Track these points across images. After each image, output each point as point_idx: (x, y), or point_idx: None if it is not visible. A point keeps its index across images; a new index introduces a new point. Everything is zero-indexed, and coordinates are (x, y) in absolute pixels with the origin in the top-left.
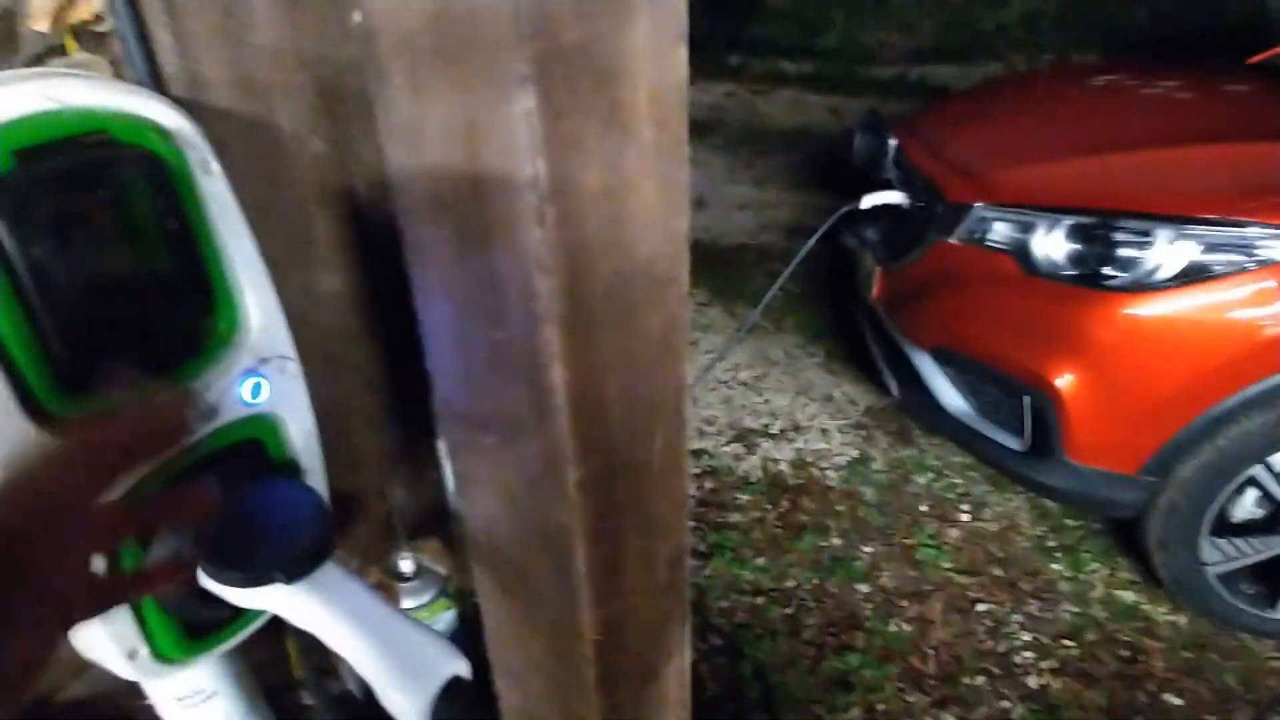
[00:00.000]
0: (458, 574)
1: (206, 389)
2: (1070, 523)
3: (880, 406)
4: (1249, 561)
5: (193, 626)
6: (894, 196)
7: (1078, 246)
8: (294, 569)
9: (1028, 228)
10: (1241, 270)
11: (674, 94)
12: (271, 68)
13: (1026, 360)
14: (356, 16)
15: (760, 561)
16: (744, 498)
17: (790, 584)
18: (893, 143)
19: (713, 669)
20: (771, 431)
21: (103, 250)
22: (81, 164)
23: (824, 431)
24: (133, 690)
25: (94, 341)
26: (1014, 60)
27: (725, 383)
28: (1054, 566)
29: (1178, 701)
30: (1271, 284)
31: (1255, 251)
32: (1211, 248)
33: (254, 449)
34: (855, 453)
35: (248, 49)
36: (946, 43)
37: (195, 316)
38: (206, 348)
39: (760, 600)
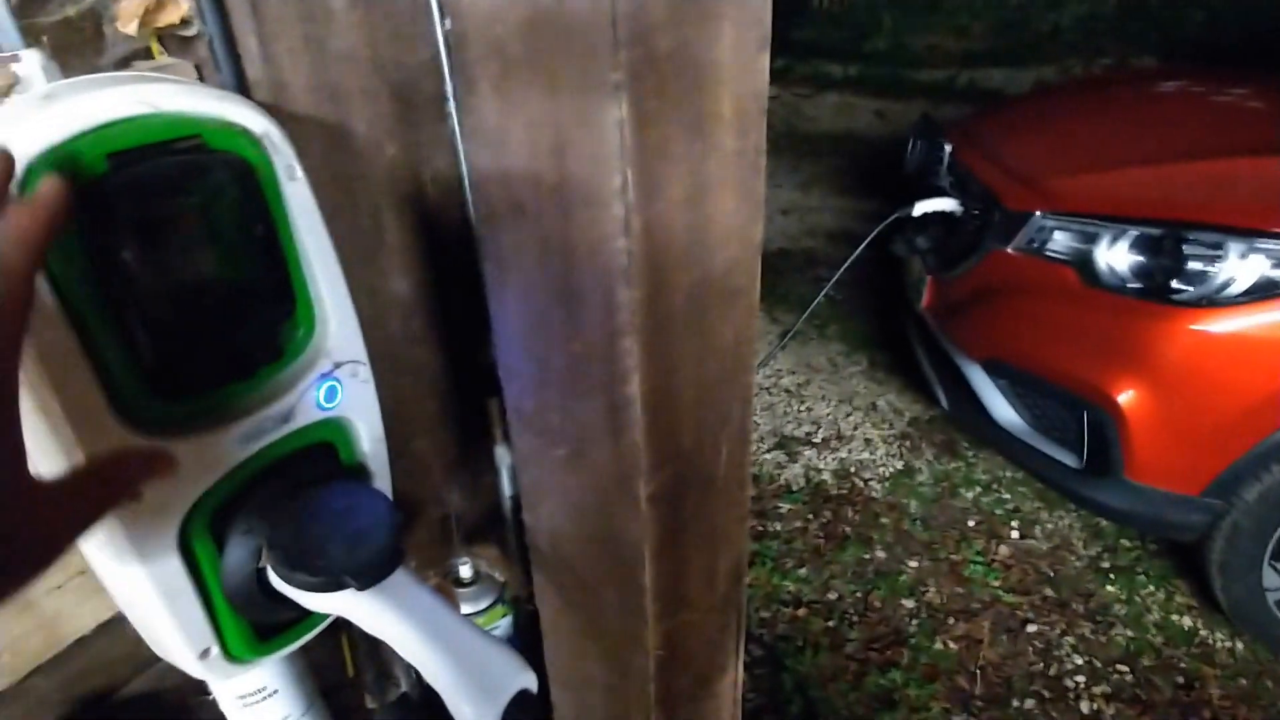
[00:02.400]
0: (514, 581)
1: (287, 392)
2: (1126, 543)
3: (926, 417)
4: None
5: (263, 627)
6: (947, 204)
7: (1144, 259)
8: (367, 575)
9: (1091, 238)
10: None
11: (755, 102)
12: (350, 73)
13: (1086, 375)
14: (447, 24)
15: (802, 572)
16: (785, 507)
17: (832, 596)
18: (947, 148)
19: (754, 680)
20: (814, 440)
21: (192, 255)
22: (174, 169)
23: (868, 441)
24: (194, 686)
25: (183, 346)
26: (1068, 64)
27: (767, 389)
28: (1108, 588)
29: None
30: None
31: None
32: None
33: (326, 453)
34: (900, 464)
35: (328, 55)
36: (998, 46)
37: (277, 321)
38: (286, 352)
39: (802, 612)
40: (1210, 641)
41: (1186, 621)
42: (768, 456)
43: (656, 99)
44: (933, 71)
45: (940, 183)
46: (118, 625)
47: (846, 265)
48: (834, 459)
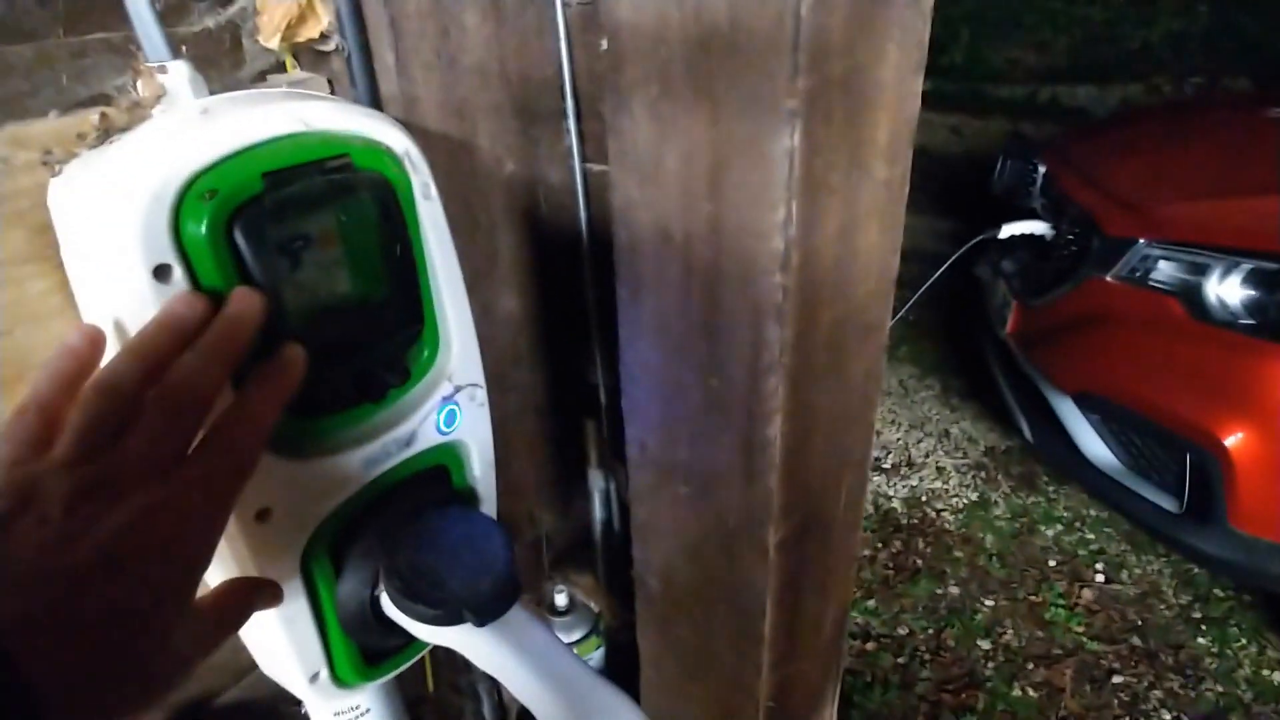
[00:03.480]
0: (608, 612)
1: (411, 416)
2: (1219, 593)
3: (1002, 448)
4: None
5: (371, 653)
6: (1037, 226)
7: (1257, 293)
8: (486, 611)
9: (1200, 269)
10: None
11: (907, 128)
12: (478, 88)
13: (1191, 414)
14: (603, 44)
15: (871, 604)
16: None
17: (903, 631)
18: (1041, 169)
19: None
20: (884, 466)
21: (334, 274)
22: (325, 188)
23: (940, 469)
24: (286, 696)
25: (322, 365)
26: (1157, 82)
27: None
28: (1199, 640)
29: None
30: None
31: None
32: None
33: (440, 476)
34: (975, 495)
35: (459, 70)
36: (1082, 61)
37: (408, 342)
38: (413, 374)
39: (871, 645)
40: None
41: (1278, 678)
42: None
43: (825, 127)
44: (1012, 87)
45: (1032, 204)
46: None
47: (927, 286)
48: (904, 486)
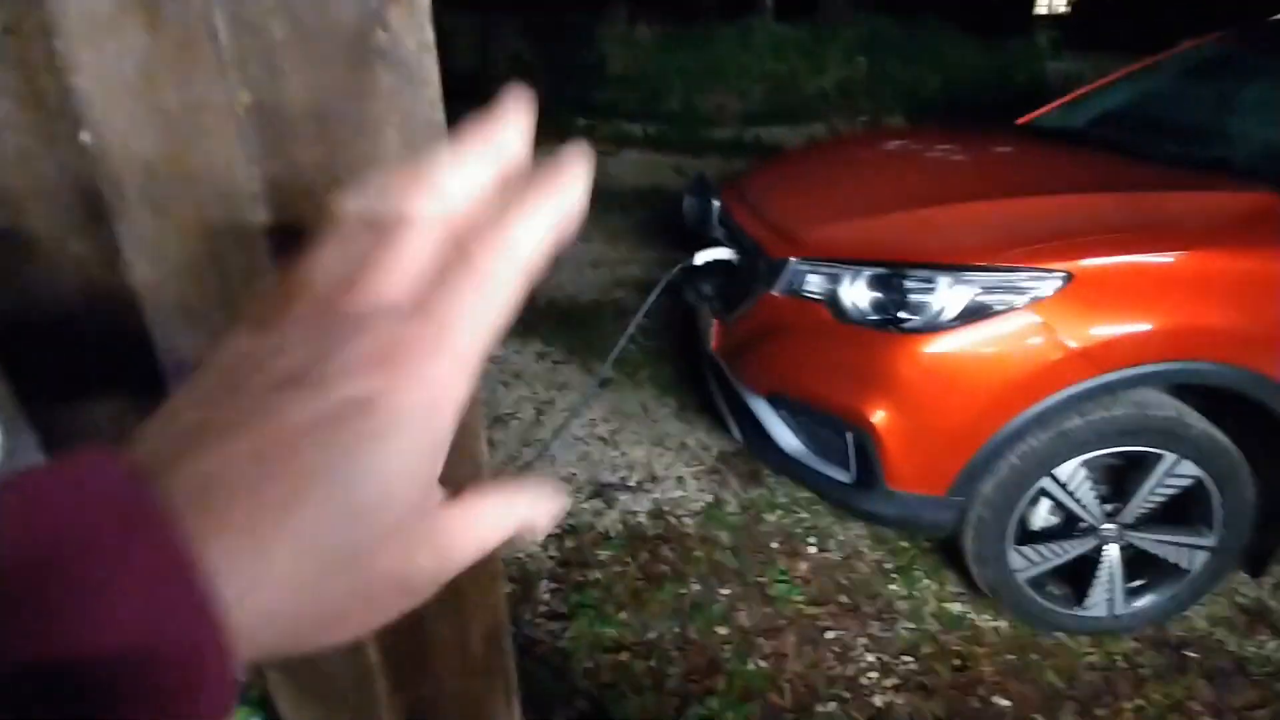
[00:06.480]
0: (260, 678)
1: None
2: (903, 545)
3: (731, 451)
4: (1052, 565)
5: None
6: (725, 253)
7: (878, 294)
8: None
9: (836, 279)
10: (1011, 308)
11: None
12: (22, 173)
13: (846, 400)
14: (85, 136)
15: (622, 616)
16: (604, 554)
17: (652, 635)
18: (715, 204)
19: None
20: (629, 484)
21: None
22: None
23: (679, 479)
24: None
25: None
26: (834, 121)
27: (582, 439)
28: (891, 587)
29: (1006, 703)
30: (1037, 318)
31: (1022, 291)
32: (986, 290)
33: None
34: (710, 497)
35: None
36: (775, 106)
37: None
38: None
39: (624, 656)
40: (979, 624)
41: (958, 608)
42: (585, 506)
43: (308, 202)
44: (722, 129)
45: (715, 235)
46: None
47: (640, 314)
48: (649, 500)
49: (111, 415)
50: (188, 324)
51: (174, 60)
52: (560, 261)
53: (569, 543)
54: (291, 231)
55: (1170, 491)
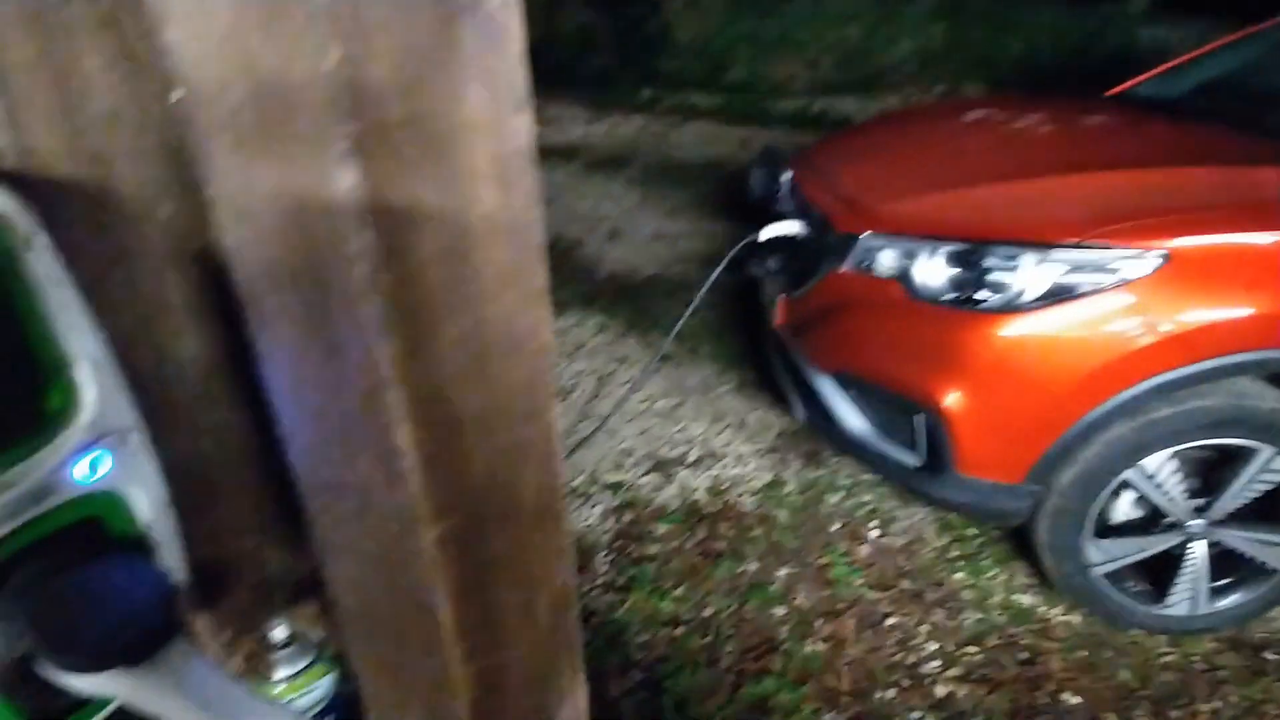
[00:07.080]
0: (337, 637)
1: (37, 470)
2: (971, 532)
3: (792, 430)
4: (1131, 560)
5: (39, 715)
6: (792, 227)
7: (956, 271)
8: (134, 652)
9: (911, 254)
10: (1100, 289)
11: (517, 157)
12: (112, 134)
13: (917, 381)
14: (176, 95)
15: (679, 592)
16: (662, 528)
17: (708, 612)
18: (785, 176)
19: (635, 705)
20: (688, 460)
21: None
22: None
23: (739, 457)
24: None
25: None
26: (909, 92)
27: (642, 413)
28: (957, 576)
29: (1076, 700)
30: (1128, 300)
31: (1112, 271)
32: (1073, 269)
33: (91, 528)
34: (769, 476)
35: (84, 116)
36: (846, 76)
37: (23, 396)
38: (38, 427)
39: (679, 631)
40: (1049, 617)
41: (1027, 600)
42: (644, 480)
43: (395, 163)
44: (790, 100)
45: (782, 208)
46: None
47: (704, 289)
48: (708, 476)
49: (202, 373)
50: (274, 287)
51: (264, 13)
52: (621, 234)
53: (627, 516)
54: (378, 192)
55: (1265, 488)
